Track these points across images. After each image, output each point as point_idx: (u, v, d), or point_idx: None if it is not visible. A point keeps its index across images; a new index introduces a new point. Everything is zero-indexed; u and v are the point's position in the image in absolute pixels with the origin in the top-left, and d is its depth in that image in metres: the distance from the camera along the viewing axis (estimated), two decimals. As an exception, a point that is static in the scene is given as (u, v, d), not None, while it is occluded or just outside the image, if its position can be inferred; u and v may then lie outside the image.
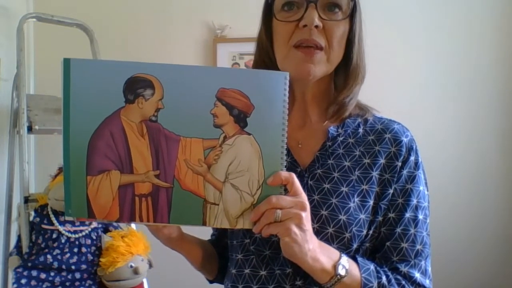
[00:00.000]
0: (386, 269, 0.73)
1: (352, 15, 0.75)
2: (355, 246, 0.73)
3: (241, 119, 0.62)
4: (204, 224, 0.64)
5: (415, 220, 0.75)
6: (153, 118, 0.62)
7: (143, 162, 0.63)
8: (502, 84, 2.11)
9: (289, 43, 0.74)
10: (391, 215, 0.75)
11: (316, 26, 0.71)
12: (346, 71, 0.78)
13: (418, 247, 0.74)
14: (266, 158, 0.62)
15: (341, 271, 0.66)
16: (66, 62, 0.61)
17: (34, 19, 1.71)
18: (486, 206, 2.11)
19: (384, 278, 0.70)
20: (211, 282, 0.92)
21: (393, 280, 0.70)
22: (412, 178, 0.76)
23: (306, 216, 0.62)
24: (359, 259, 0.71)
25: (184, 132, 0.62)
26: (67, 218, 0.65)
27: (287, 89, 0.63)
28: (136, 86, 0.61)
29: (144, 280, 1.59)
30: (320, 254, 0.65)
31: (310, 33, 0.71)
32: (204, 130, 0.62)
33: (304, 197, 0.63)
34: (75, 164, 0.63)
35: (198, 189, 0.63)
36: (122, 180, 0.63)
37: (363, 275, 0.68)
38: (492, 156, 2.11)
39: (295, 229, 0.61)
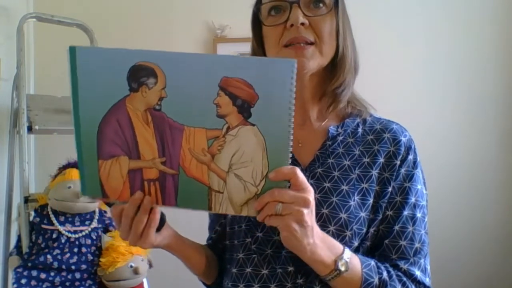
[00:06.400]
0: (387, 265, 0.73)
1: (336, 7, 0.77)
2: (355, 244, 0.73)
3: (244, 109, 0.59)
4: (210, 209, 0.64)
5: (413, 218, 0.75)
6: (157, 107, 0.61)
7: (149, 149, 0.63)
8: (501, 84, 2.11)
9: (279, 45, 0.75)
10: (389, 212, 0.75)
11: (303, 24, 0.73)
12: (335, 62, 0.79)
13: (417, 245, 0.74)
14: (271, 150, 0.60)
15: (342, 267, 0.66)
16: (72, 50, 0.61)
17: (34, 19, 1.71)
18: (486, 206, 2.11)
19: (385, 274, 0.70)
20: (208, 286, 0.92)
21: (394, 276, 0.71)
22: (410, 177, 0.76)
23: (308, 212, 0.61)
24: (360, 255, 0.71)
25: (188, 121, 0.61)
26: (82, 198, 0.67)
27: (295, 77, 0.58)
28: (139, 74, 0.60)
29: (144, 280, 1.59)
30: (321, 248, 0.65)
31: (297, 31, 0.73)
32: (207, 120, 0.60)
33: (309, 191, 0.61)
34: (86, 149, 0.64)
35: (202, 177, 0.63)
36: (131, 165, 0.64)
37: (364, 270, 0.68)
38: (491, 155, 2.11)
39: (294, 225, 0.60)
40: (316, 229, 0.64)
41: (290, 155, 0.61)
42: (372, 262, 0.71)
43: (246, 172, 0.61)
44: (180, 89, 0.60)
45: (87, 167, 0.65)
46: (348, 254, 0.68)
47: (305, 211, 0.60)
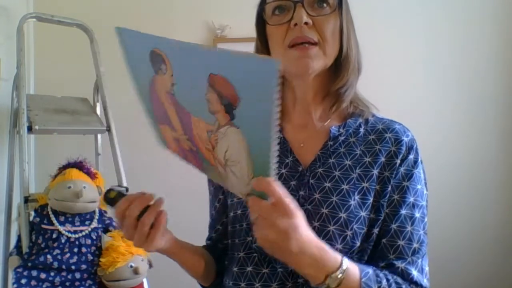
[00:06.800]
0: (386, 272, 0.71)
1: (340, 7, 0.77)
2: (358, 244, 0.72)
3: (230, 110, 0.54)
4: (226, 187, 0.67)
5: (411, 217, 0.74)
6: (172, 92, 0.62)
7: (177, 125, 0.67)
8: (501, 84, 2.11)
9: (283, 44, 0.76)
10: (386, 210, 0.75)
11: (306, 23, 0.73)
12: (339, 62, 0.79)
13: (415, 245, 0.73)
14: (254, 156, 0.54)
15: (332, 283, 0.61)
16: (118, 30, 0.66)
17: (34, 19, 1.71)
18: (486, 206, 2.11)
19: (384, 282, 0.67)
20: None
21: (393, 285, 0.69)
22: (409, 176, 0.76)
23: (278, 236, 0.55)
24: (359, 264, 0.67)
25: (192, 110, 0.61)
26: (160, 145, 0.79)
27: (278, 81, 0.47)
28: (155, 59, 0.61)
29: (144, 280, 1.59)
30: (308, 265, 0.60)
31: (301, 30, 0.73)
32: (203, 114, 0.58)
33: (285, 215, 0.55)
34: (149, 112, 0.74)
35: (211, 161, 0.64)
36: (172, 134, 0.71)
37: (362, 279, 0.65)
38: (491, 155, 2.11)
39: (262, 241, 0.57)
40: (300, 246, 0.57)
41: (275, 166, 0.54)
42: (371, 271, 0.67)
43: (238, 171, 0.59)
44: (181, 79, 0.60)
45: (154, 123, 0.75)
46: (344, 267, 0.62)
47: (271, 234, 0.55)
